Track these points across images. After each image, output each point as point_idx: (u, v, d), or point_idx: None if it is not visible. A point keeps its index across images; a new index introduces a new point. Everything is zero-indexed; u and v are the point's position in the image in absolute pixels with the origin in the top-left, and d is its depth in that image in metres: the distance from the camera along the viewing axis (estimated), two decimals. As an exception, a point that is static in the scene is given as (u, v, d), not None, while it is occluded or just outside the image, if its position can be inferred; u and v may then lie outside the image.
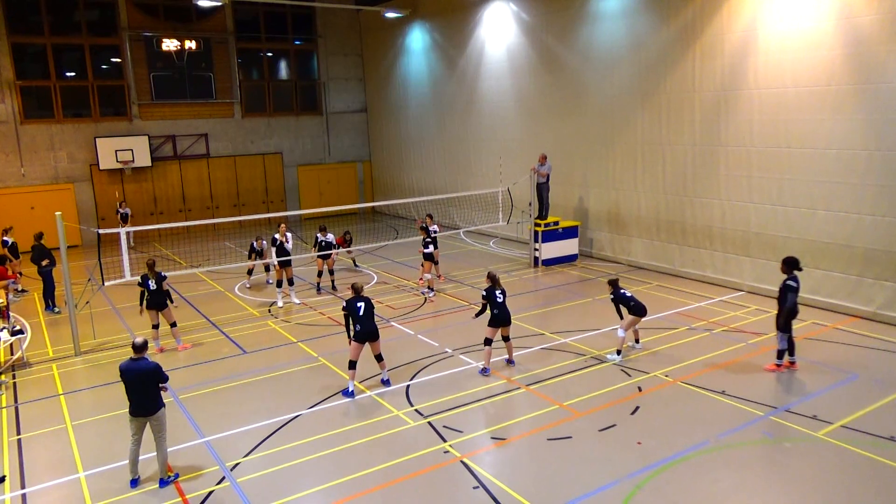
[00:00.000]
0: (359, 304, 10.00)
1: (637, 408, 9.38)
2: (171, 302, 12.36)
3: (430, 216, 17.10)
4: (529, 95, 20.67)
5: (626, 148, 17.52)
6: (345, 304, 10.10)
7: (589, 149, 18.64)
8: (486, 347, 10.81)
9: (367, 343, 10.11)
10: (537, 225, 17.88)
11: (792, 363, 10.55)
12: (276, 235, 15.12)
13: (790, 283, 10.15)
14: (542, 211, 18.09)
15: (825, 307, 13.43)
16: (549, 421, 9.08)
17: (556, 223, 18.09)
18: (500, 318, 10.78)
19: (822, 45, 12.86)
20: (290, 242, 15.15)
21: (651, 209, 17.12)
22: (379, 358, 10.42)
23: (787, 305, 10.09)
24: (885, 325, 12.44)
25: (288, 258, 15.00)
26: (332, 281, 16.49)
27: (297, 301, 15.40)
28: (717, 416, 9.09)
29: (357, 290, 10.22)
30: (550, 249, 18.00)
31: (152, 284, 11.97)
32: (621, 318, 11.52)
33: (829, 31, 12.73)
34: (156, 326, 12.28)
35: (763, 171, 14.27)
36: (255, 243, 16.78)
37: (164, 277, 12.07)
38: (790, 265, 10.22)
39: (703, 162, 15.55)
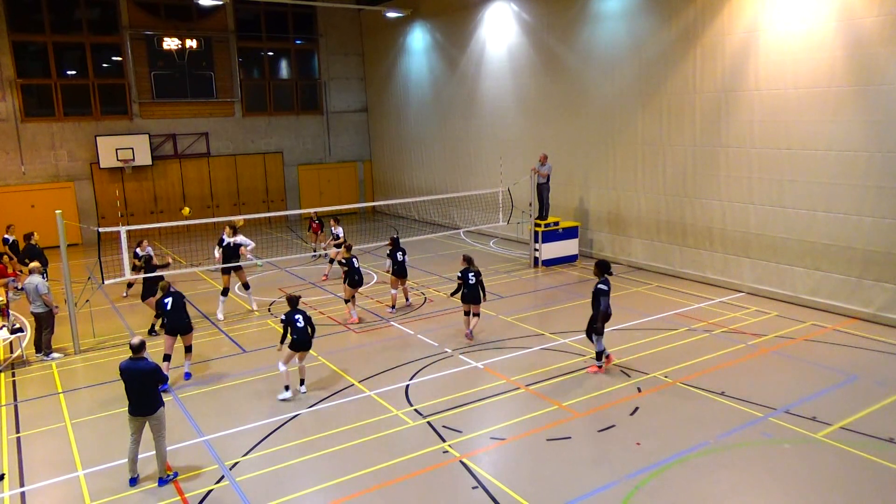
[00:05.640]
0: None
1: (636, 408, 9.38)
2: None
3: (336, 220, 17.80)
4: (530, 95, 20.66)
5: (626, 148, 17.52)
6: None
7: (589, 149, 18.64)
8: (467, 318, 12.39)
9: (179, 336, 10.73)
10: (537, 225, 17.88)
11: (599, 367, 10.70)
12: (224, 236, 14.09)
13: (602, 286, 10.28)
14: (543, 211, 18.09)
15: (825, 308, 13.43)
16: (549, 421, 9.08)
17: (557, 223, 18.09)
18: (469, 297, 12.16)
19: (822, 46, 12.86)
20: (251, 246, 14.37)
21: (651, 210, 17.12)
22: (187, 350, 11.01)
23: (602, 308, 10.23)
24: (884, 326, 12.43)
25: (238, 264, 14.15)
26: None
27: (255, 307, 14.75)
28: (716, 417, 9.09)
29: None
30: (550, 250, 18.00)
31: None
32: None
33: (829, 33, 12.73)
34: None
35: (763, 172, 14.27)
36: (137, 249, 14.87)
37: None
38: (602, 269, 10.40)
39: (704, 163, 15.55)
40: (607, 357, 10.81)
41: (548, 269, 17.81)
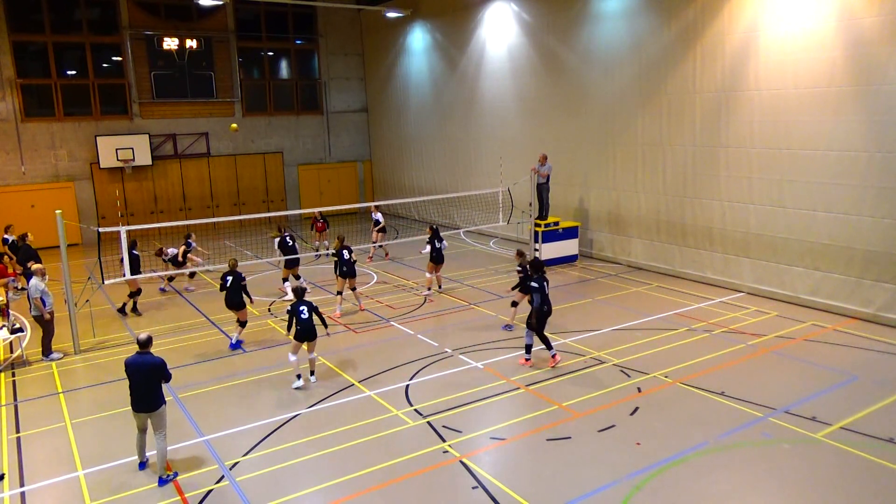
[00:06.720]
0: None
1: (636, 408, 9.39)
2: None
3: (377, 206, 19.39)
4: (530, 95, 20.66)
5: (626, 148, 17.52)
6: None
7: (589, 149, 18.64)
8: (512, 308, 13.00)
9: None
10: (537, 225, 17.88)
11: (553, 356, 10.98)
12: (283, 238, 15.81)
13: (533, 284, 10.71)
14: (543, 211, 18.09)
15: (825, 308, 13.43)
16: (549, 421, 9.08)
17: (557, 223, 18.09)
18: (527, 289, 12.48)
19: (822, 46, 12.86)
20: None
21: (651, 210, 17.12)
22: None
23: (535, 306, 10.67)
24: (884, 326, 12.43)
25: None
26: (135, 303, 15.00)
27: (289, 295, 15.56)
28: (716, 417, 9.09)
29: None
30: (550, 250, 17.99)
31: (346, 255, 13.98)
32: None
33: (829, 33, 12.73)
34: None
35: (763, 172, 14.27)
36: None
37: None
38: (533, 267, 11.02)
39: (704, 163, 15.55)
40: (553, 357, 11.00)
41: (548, 269, 17.71)
